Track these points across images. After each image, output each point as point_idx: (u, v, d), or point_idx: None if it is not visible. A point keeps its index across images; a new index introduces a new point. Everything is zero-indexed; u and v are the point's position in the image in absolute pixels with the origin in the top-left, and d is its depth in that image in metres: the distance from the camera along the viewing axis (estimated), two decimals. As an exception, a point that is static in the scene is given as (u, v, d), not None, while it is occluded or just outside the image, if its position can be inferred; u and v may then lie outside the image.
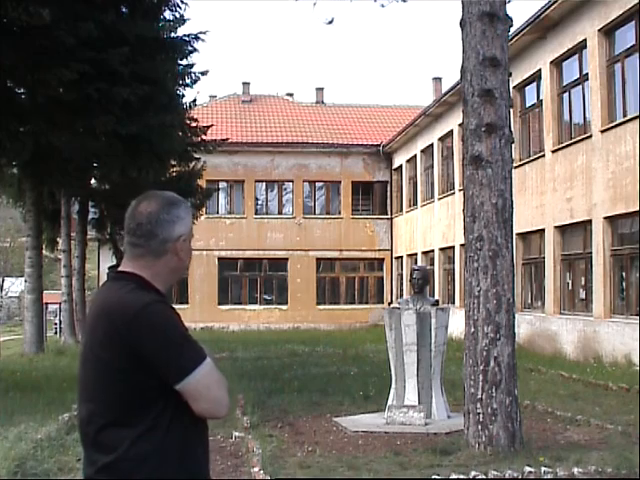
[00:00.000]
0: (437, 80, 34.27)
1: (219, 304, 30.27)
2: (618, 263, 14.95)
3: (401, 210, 30.60)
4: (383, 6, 10.44)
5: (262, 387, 11.32)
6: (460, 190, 19.52)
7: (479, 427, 7.00)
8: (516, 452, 6.83)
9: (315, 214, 31.73)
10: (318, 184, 31.89)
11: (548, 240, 17.45)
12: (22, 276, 21.21)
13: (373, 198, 32.24)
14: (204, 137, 21.09)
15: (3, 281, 47.24)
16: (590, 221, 15.49)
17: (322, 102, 35.76)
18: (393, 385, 9.02)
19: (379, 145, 31.24)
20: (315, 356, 17.15)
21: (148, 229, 2.12)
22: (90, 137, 13.03)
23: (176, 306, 2.15)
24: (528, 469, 6.08)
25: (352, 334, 25.29)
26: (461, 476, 5.95)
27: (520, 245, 18.44)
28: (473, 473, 6.00)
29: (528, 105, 19.18)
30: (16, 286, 43.00)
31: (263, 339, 22.67)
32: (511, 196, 7.44)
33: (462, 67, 7.54)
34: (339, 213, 31.63)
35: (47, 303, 23.31)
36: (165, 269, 2.16)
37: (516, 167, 14.61)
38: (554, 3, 15.92)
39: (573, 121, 17.16)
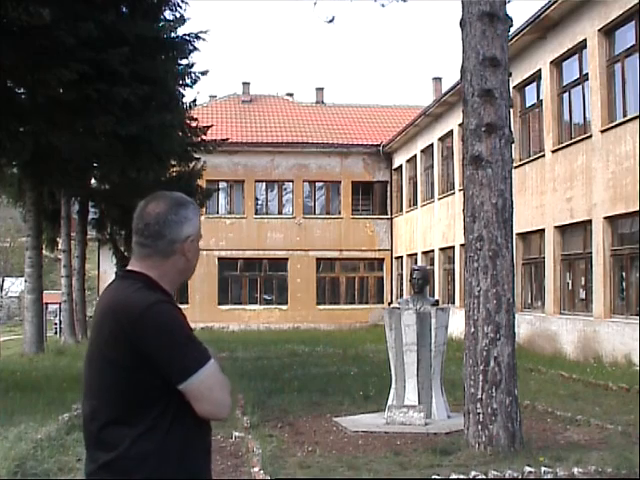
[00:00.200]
0: (437, 80, 34.27)
1: (219, 304, 30.27)
2: (618, 263, 14.95)
3: (401, 210, 30.60)
4: (383, 6, 10.45)
5: (262, 387, 11.32)
6: (460, 190, 19.52)
7: (479, 427, 7.00)
8: (516, 452, 6.83)
9: (315, 214, 31.73)
10: (318, 184, 31.89)
11: (548, 240, 17.45)
12: (22, 276, 21.21)
13: (373, 198, 32.24)
14: (204, 137, 21.11)
15: (3, 281, 47.25)
16: (590, 221, 15.49)
17: (322, 102, 35.76)
18: (393, 385, 9.02)
19: (379, 145, 31.24)
20: (315, 356, 17.15)
21: (156, 229, 2.14)
22: (90, 137, 13.02)
23: (175, 306, 2.15)
24: (528, 469, 6.08)
25: (352, 334, 25.29)
26: (461, 476, 5.95)
27: (520, 245, 18.44)
28: (473, 473, 6.00)
29: (528, 105, 19.18)
30: (16, 286, 43.00)
31: (263, 339, 22.68)
32: (511, 196, 7.44)
33: (462, 67, 7.53)
34: (339, 213, 31.63)
35: (47, 303, 23.31)
36: (173, 270, 2.17)
37: (516, 167, 14.62)
38: (554, 3, 15.92)
39: (573, 121, 17.16)
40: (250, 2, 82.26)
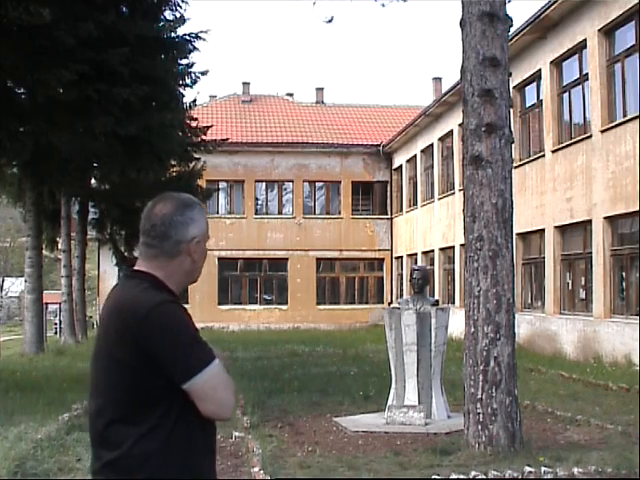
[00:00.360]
0: (437, 80, 34.28)
1: (219, 304, 30.27)
2: (618, 263, 14.95)
3: (401, 210, 30.60)
4: (384, 5, 10.47)
5: (262, 387, 11.32)
6: (460, 190, 19.52)
7: (479, 427, 7.00)
8: (516, 452, 6.83)
9: (315, 214, 31.73)
10: (318, 184, 31.89)
11: (548, 240, 17.45)
12: (22, 276, 21.22)
13: (373, 198, 32.24)
14: (204, 137, 21.11)
15: (3, 281, 47.27)
16: (590, 221, 15.49)
17: (322, 102, 35.76)
18: (393, 385, 9.02)
19: (379, 145, 31.24)
20: (315, 356, 17.15)
21: (162, 230, 2.16)
22: (90, 137, 13.02)
23: (176, 306, 2.15)
24: (528, 469, 6.08)
25: (352, 334, 25.29)
26: (461, 476, 5.95)
27: (520, 245, 18.44)
28: (473, 473, 6.00)
29: (528, 105, 19.18)
30: (16, 286, 43.02)
31: (263, 339, 22.68)
32: (511, 196, 7.44)
33: (462, 67, 7.53)
34: (339, 213, 31.63)
35: (47, 303, 23.33)
36: (179, 270, 2.19)
37: (516, 167, 14.62)
38: (554, 3, 15.92)
39: (573, 121, 17.16)
40: (250, 2, 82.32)
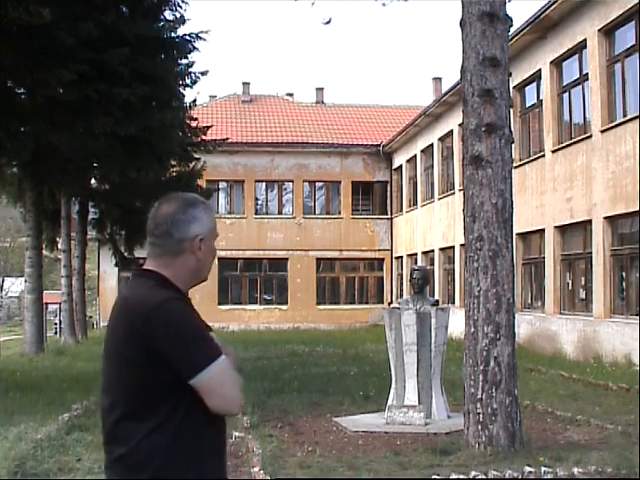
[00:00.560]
0: (437, 80, 34.28)
1: (219, 304, 30.26)
2: (618, 263, 14.95)
3: (401, 210, 30.60)
4: (384, 5, 10.47)
5: (262, 387, 11.31)
6: (460, 190, 19.52)
7: (479, 427, 7.00)
8: (516, 452, 6.84)
9: (315, 214, 31.73)
10: (318, 184, 31.89)
11: (548, 240, 17.45)
12: (22, 276, 21.21)
13: (373, 198, 32.24)
14: (204, 137, 21.12)
15: (3, 281, 47.25)
16: (590, 221, 15.49)
17: (322, 102, 35.76)
18: (393, 385, 9.03)
19: (379, 145, 31.24)
20: (315, 356, 17.15)
21: (165, 229, 2.20)
22: (90, 137, 13.03)
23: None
24: (528, 469, 6.08)
25: (352, 334, 25.29)
26: (461, 476, 5.95)
27: (520, 245, 18.44)
28: (473, 473, 6.00)
29: (528, 105, 19.18)
30: (16, 286, 43.00)
31: (263, 339, 22.67)
32: (511, 196, 7.44)
33: (462, 67, 7.54)
34: (339, 213, 31.63)
35: (47, 303, 23.30)
36: (183, 268, 2.21)
37: (516, 167, 14.63)
38: (554, 3, 15.92)
39: (573, 121, 17.16)
40: (250, 2, 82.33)
